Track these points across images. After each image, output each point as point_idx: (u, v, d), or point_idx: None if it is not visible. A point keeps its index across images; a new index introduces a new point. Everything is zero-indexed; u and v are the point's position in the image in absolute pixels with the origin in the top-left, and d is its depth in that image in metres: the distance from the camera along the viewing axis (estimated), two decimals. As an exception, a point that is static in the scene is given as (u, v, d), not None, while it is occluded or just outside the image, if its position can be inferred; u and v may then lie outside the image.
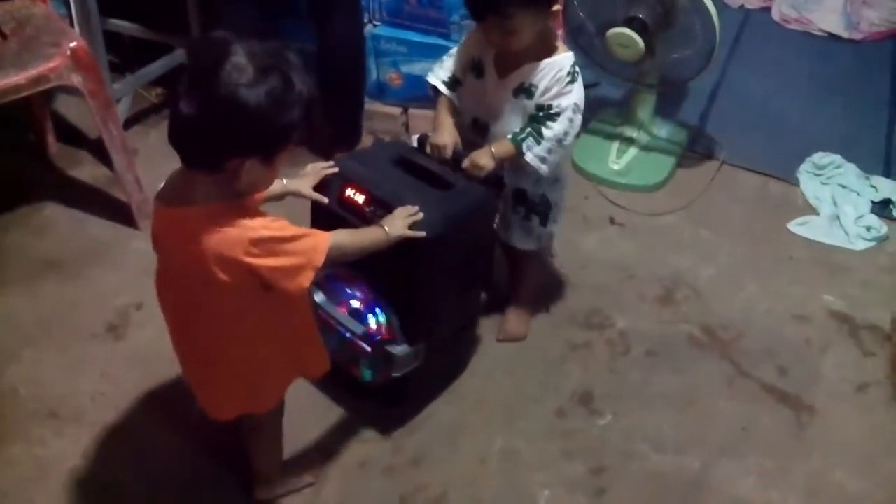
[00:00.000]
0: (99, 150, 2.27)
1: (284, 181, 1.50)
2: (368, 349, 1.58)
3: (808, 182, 2.41)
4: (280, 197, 1.49)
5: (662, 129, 2.53)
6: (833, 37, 3.08)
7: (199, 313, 1.29)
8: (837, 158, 2.44)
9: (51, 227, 2.19)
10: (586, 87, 1.66)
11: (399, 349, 1.58)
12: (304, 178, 1.56)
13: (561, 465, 1.70)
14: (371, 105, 2.49)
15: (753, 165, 2.48)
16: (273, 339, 1.35)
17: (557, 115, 1.60)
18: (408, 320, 1.59)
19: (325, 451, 1.68)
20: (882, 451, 1.75)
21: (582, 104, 1.63)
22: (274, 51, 1.14)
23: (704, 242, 2.24)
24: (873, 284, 2.13)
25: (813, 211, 2.34)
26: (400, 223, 1.45)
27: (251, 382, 1.38)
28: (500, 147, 1.62)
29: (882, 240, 2.25)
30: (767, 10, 3.20)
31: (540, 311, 2.00)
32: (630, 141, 2.49)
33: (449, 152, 1.63)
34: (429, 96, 1.76)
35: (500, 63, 1.64)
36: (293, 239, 1.22)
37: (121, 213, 2.18)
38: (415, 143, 1.70)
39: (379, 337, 1.58)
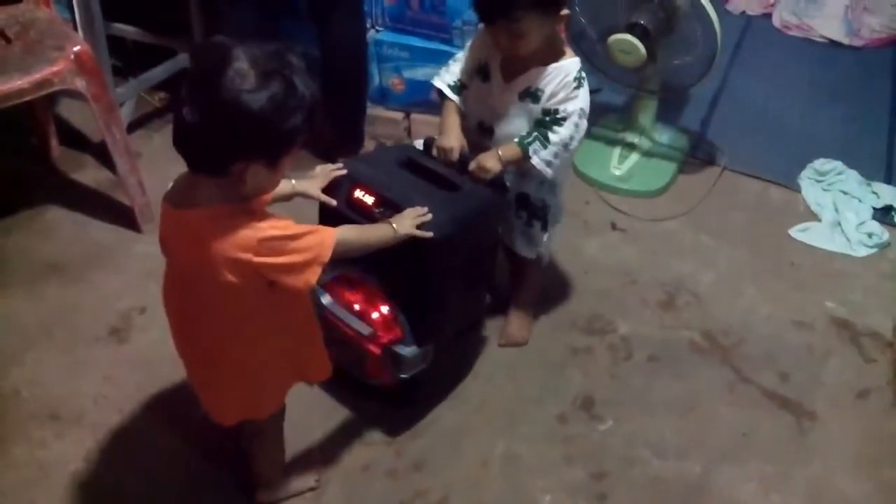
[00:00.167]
0: (102, 154, 2.27)
1: (293, 182, 1.50)
2: (377, 351, 1.58)
3: (810, 188, 2.42)
4: (288, 198, 1.50)
5: (664, 135, 2.53)
6: (834, 43, 3.09)
7: (203, 314, 1.30)
8: (839, 165, 2.44)
9: (53, 230, 2.19)
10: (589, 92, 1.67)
11: (408, 350, 1.58)
12: (313, 179, 1.56)
13: (562, 470, 1.70)
14: (373, 110, 2.50)
15: (755, 171, 2.48)
16: (275, 341, 1.35)
17: (564, 119, 1.61)
18: (416, 321, 1.60)
19: (327, 454, 1.68)
20: (883, 457, 1.75)
21: (588, 109, 1.64)
22: (276, 54, 1.14)
23: (706, 248, 2.24)
24: (874, 291, 2.14)
25: (814, 217, 2.34)
26: (408, 222, 1.45)
27: (252, 384, 1.38)
28: (506, 150, 1.62)
29: (883, 246, 2.26)
30: (768, 16, 3.21)
31: (541, 315, 2.00)
32: (631, 147, 2.50)
33: (456, 155, 1.64)
34: (431, 102, 1.77)
35: (507, 67, 1.65)
36: (300, 236, 1.22)
37: (124, 217, 2.19)
38: (420, 147, 1.71)
39: (387, 338, 1.58)
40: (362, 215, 1.54)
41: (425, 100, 2.40)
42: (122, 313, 1.96)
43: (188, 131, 1.14)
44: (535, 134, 1.62)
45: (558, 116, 1.61)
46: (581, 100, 1.62)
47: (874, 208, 2.34)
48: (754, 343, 1.98)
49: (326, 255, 1.25)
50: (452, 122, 1.69)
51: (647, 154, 2.49)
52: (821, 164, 2.45)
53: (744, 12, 3.22)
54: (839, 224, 2.30)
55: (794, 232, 2.30)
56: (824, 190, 2.40)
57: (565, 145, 1.63)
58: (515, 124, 1.67)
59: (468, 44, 1.73)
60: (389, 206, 1.52)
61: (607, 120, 2.58)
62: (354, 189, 1.57)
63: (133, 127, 2.47)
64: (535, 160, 1.62)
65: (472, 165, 1.62)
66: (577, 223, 2.25)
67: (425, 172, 1.63)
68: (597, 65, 2.31)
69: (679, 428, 1.79)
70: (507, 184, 1.68)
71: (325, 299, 1.60)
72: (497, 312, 1.96)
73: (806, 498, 1.67)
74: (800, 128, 2.67)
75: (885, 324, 2.03)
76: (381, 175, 1.59)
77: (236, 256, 1.18)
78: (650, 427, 1.78)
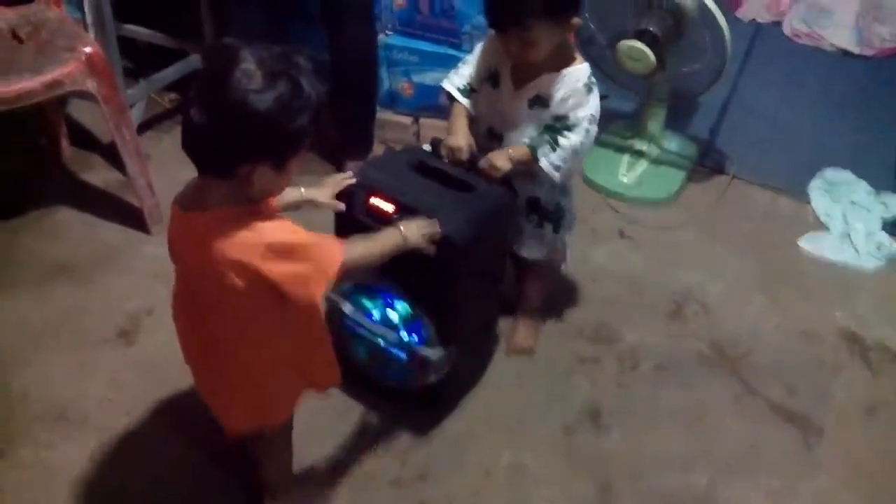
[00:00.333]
0: (112, 155, 2.28)
1: (302, 190, 1.50)
2: (404, 357, 1.58)
3: (819, 198, 2.41)
4: (297, 206, 1.49)
5: (673, 143, 2.53)
6: (844, 52, 3.08)
7: (210, 316, 1.30)
8: (848, 175, 2.44)
9: (62, 231, 2.19)
10: (599, 97, 1.67)
11: (434, 353, 1.59)
12: (323, 188, 1.56)
13: (567, 481, 1.69)
14: (382, 114, 2.50)
15: (764, 180, 2.47)
16: (281, 344, 1.34)
17: (574, 125, 1.61)
18: (440, 323, 1.60)
19: (334, 461, 1.68)
20: (890, 473, 1.75)
21: (598, 115, 1.64)
22: (283, 56, 1.14)
23: (714, 257, 2.23)
24: (884, 303, 2.13)
25: (823, 227, 2.34)
26: (417, 231, 1.44)
27: (260, 390, 1.37)
28: (516, 150, 1.63)
29: (893, 258, 2.25)
30: (778, 24, 3.20)
31: (548, 322, 2.00)
32: (640, 154, 2.49)
33: (465, 154, 1.64)
34: (440, 106, 1.77)
35: (517, 73, 1.64)
36: (307, 245, 1.22)
37: (133, 218, 2.19)
38: (427, 148, 1.71)
39: (414, 344, 1.58)
40: (381, 222, 1.52)
41: (434, 104, 2.40)
42: (130, 315, 1.96)
43: (196, 132, 1.14)
44: (546, 138, 1.62)
45: (569, 122, 1.62)
46: (591, 106, 1.62)
47: (883, 219, 2.33)
48: (762, 354, 1.97)
49: (333, 272, 1.24)
50: (461, 123, 1.69)
51: (656, 162, 2.49)
52: (830, 173, 2.44)
53: (754, 20, 3.21)
54: (848, 235, 2.29)
55: (803, 242, 2.29)
56: (834, 200, 2.39)
57: (575, 151, 1.63)
58: (525, 131, 1.67)
59: (477, 47, 1.73)
60: (408, 213, 1.51)
61: (616, 127, 2.57)
62: (370, 196, 1.56)
63: (143, 128, 2.47)
64: (543, 162, 1.62)
65: (483, 163, 1.63)
66: (584, 231, 2.24)
67: (437, 175, 1.63)
68: (606, 71, 2.31)
69: (685, 439, 1.78)
70: (517, 188, 1.69)
71: (346, 308, 1.60)
72: (503, 321, 1.95)
73: (812, 512, 1.67)
74: (809, 137, 2.66)
75: (893, 337, 2.02)
76: (394, 180, 1.59)
77: (243, 259, 1.17)
78: (656, 438, 1.78)
